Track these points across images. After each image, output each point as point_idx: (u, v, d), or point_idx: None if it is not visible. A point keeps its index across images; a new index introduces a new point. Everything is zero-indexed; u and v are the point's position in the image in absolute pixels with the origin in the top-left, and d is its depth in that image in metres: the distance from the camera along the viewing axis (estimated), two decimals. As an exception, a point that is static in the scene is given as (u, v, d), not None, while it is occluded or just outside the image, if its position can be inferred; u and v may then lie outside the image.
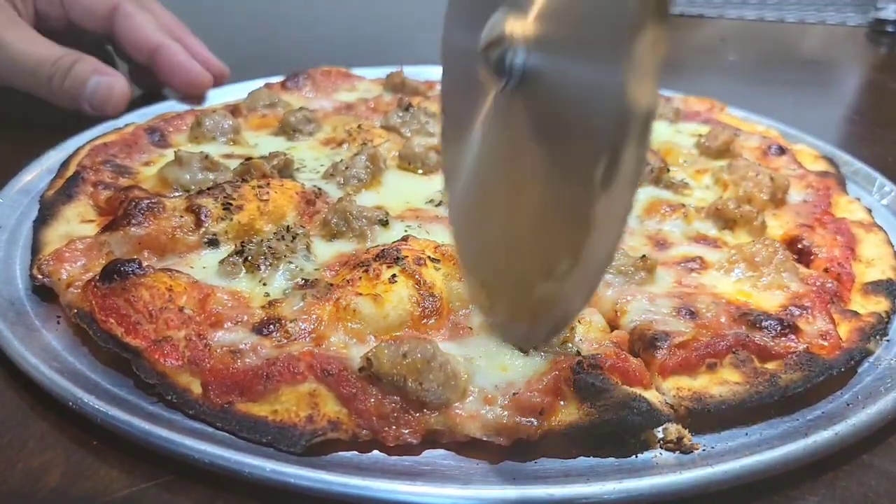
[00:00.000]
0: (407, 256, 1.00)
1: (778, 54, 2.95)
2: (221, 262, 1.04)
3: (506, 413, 0.80)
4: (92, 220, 1.17)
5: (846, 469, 0.82)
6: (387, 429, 0.80)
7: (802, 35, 3.21)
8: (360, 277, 0.98)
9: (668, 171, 1.37)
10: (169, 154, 1.41)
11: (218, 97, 1.78)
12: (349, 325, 0.91)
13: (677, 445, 0.82)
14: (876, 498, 0.79)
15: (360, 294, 0.93)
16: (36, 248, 1.09)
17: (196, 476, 0.77)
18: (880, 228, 1.25)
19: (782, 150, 1.52)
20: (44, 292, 1.03)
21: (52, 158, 1.40)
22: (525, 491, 0.74)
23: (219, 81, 1.84)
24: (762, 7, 3.46)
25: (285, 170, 1.35)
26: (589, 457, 0.81)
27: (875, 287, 1.09)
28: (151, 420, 0.80)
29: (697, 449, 0.82)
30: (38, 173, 1.36)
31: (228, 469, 0.75)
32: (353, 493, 0.73)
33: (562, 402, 0.82)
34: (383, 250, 1.02)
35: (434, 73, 2.10)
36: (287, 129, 1.54)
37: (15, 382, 0.90)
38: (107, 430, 0.80)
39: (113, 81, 1.61)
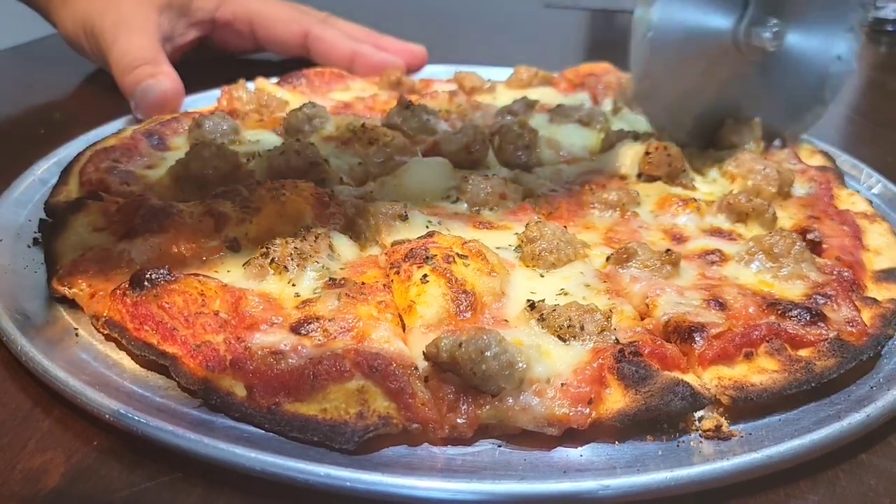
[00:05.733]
0: (436, 255, 1.01)
1: None
2: (246, 264, 1.03)
3: (556, 404, 0.81)
4: (103, 229, 1.14)
5: (845, 468, 0.84)
6: (438, 421, 0.81)
7: None
8: (392, 280, 0.99)
9: (685, 170, 1.39)
10: (169, 157, 1.40)
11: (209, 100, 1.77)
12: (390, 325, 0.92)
13: (716, 433, 0.84)
14: (875, 497, 0.80)
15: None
16: (51, 260, 1.07)
17: (197, 475, 0.77)
18: (883, 219, 1.29)
19: (784, 144, 1.55)
20: (60, 304, 1.01)
21: (44, 168, 1.38)
22: (579, 484, 0.75)
23: (420, 62, 2.10)
24: None
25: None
26: (634, 441, 0.83)
27: (886, 275, 1.12)
28: (194, 428, 0.79)
29: (735, 436, 0.84)
30: (31, 183, 1.33)
31: (280, 476, 0.74)
32: (410, 493, 0.73)
33: (607, 391, 0.84)
34: (412, 250, 1.03)
35: (426, 71, 2.11)
36: (290, 129, 1.53)
37: (15, 383, 0.89)
38: (141, 437, 0.79)
39: (153, 84, 1.65)
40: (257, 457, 0.75)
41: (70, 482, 0.76)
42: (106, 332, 0.95)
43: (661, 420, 0.85)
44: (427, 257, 1.00)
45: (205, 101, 1.77)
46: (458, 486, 0.73)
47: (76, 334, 0.97)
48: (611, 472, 0.78)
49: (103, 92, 1.85)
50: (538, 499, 0.74)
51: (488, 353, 0.81)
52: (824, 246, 1.18)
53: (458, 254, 1.02)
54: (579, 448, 0.82)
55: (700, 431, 0.85)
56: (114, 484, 0.76)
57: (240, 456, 0.75)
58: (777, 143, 1.58)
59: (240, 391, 0.83)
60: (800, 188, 1.40)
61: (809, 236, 1.20)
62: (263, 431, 0.81)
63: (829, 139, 1.71)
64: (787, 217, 1.28)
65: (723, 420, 0.85)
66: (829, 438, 0.82)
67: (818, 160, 1.56)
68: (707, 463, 0.78)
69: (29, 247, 1.15)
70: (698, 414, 0.86)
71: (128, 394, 0.85)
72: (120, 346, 0.94)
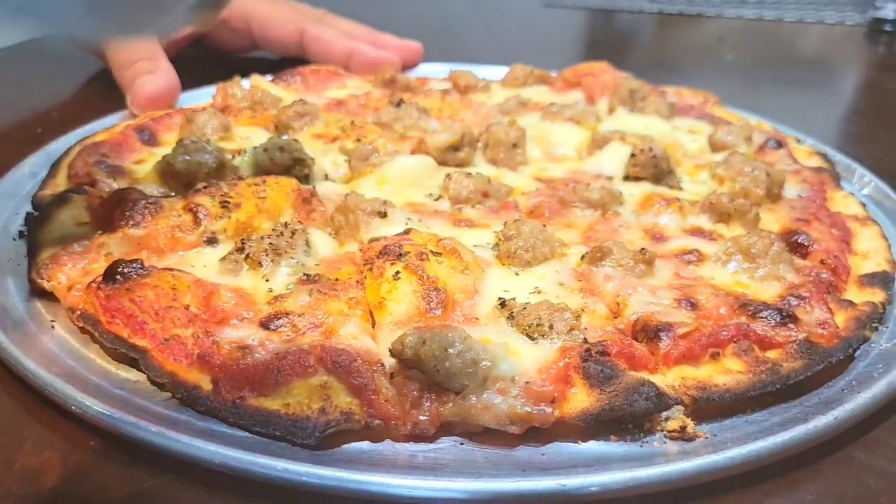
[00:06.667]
0: (409, 252, 1.01)
1: (776, 53, 2.97)
2: (222, 259, 1.04)
3: (518, 403, 0.81)
4: (86, 223, 1.15)
5: (844, 468, 0.83)
6: (401, 417, 0.81)
7: (801, 34, 3.22)
8: (365, 277, 1.00)
9: (671, 171, 1.38)
10: (158, 152, 1.41)
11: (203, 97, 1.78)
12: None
13: (681, 434, 0.84)
14: (874, 497, 0.80)
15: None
16: (32, 252, 1.08)
17: (194, 476, 0.77)
18: (874, 222, 1.28)
19: (779, 145, 1.54)
20: (40, 296, 1.02)
21: (33, 162, 1.40)
22: (537, 482, 0.75)
23: (416, 59, 2.12)
24: (761, 6, 3.49)
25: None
26: (599, 440, 0.83)
27: (870, 279, 1.11)
28: (159, 422, 0.80)
29: (701, 437, 0.84)
30: (21, 176, 1.35)
31: (239, 469, 0.75)
32: (365, 489, 0.74)
33: (572, 390, 0.84)
34: (386, 246, 1.03)
35: (422, 70, 2.12)
36: (280, 126, 1.54)
37: (12, 384, 0.89)
38: (113, 433, 0.80)
39: (149, 80, 1.68)
40: (216, 450, 0.76)
41: (68, 482, 0.77)
42: (81, 324, 0.96)
43: (627, 420, 0.85)
44: (400, 254, 1.01)
45: (202, 98, 1.78)
46: (412, 483, 0.74)
47: (52, 327, 0.98)
48: (570, 471, 0.77)
49: (101, 91, 1.86)
50: (493, 496, 0.74)
51: (452, 351, 0.82)
52: (811, 249, 1.16)
53: (432, 251, 1.02)
54: (542, 447, 0.82)
55: (665, 432, 0.84)
56: (111, 484, 0.76)
57: (200, 449, 0.76)
58: (772, 143, 1.57)
59: (206, 385, 0.84)
60: (791, 190, 1.38)
61: (797, 239, 1.19)
62: (230, 427, 0.81)
63: (827, 138, 1.70)
64: (775, 220, 1.27)
65: (688, 421, 0.85)
66: (792, 441, 0.81)
67: (815, 161, 1.55)
68: (667, 464, 0.78)
69: (14, 239, 1.16)
70: (665, 414, 0.86)
71: (96, 387, 0.86)
72: (94, 339, 0.95)
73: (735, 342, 0.92)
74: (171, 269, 0.99)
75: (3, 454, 0.79)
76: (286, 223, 1.11)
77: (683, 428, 0.84)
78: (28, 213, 1.21)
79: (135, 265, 0.96)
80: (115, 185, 1.27)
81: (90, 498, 0.75)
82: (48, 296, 1.02)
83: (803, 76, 2.63)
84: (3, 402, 0.87)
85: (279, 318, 0.91)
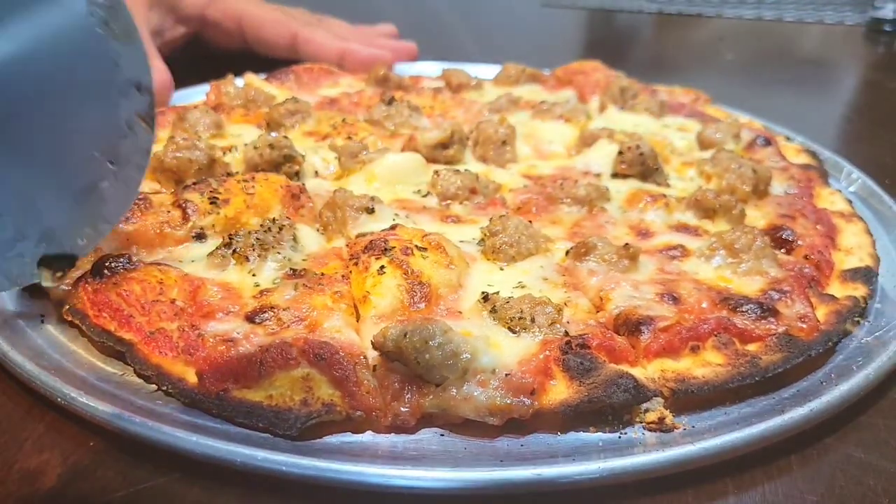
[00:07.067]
0: (395, 247, 1.02)
1: (776, 53, 2.98)
2: (210, 254, 1.05)
3: (498, 395, 0.82)
4: (78, 217, 1.17)
5: (844, 468, 0.84)
6: (382, 409, 0.82)
7: (800, 34, 3.24)
8: (351, 271, 1.01)
9: (657, 168, 1.39)
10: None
11: (197, 94, 1.79)
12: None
13: (659, 426, 0.85)
14: (875, 497, 0.80)
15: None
16: (23, 246, 1.09)
17: (193, 477, 0.78)
18: (860, 219, 1.29)
19: (768, 142, 1.55)
20: (30, 291, 1.03)
21: None
22: (513, 472, 0.76)
23: (410, 59, 2.16)
24: (760, 6, 3.51)
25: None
26: (578, 432, 0.84)
27: (853, 274, 1.12)
28: (144, 413, 0.81)
29: (679, 429, 0.85)
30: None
31: (219, 459, 0.76)
32: (346, 478, 0.75)
33: (552, 382, 0.85)
34: (371, 241, 1.04)
35: (419, 68, 2.13)
36: (272, 124, 1.55)
37: (11, 385, 0.90)
38: (96, 423, 0.81)
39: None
40: (198, 440, 0.77)
41: (67, 483, 0.77)
42: (69, 319, 0.97)
43: (607, 412, 0.86)
44: (386, 249, 1.02)
45: (196, 96, 1.80)
46: (391, 472, 0.75)
47: (41, 321, 0.99)
48: (548, 461, 0.78)
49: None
50: (470, 485, 0.75)
51: (432, 343, 0.83)
52: (796, 244, 1.17)
53: (416, 246, 1.03)
54: (522, 438, 0.83)
55: (644, 423, 0.85)
56: (111, 485, 0.77)
57: (182, 440, 0.77)
58: (761, 140, 1.58)
59: (191, 377, 0.85)
60: (778, 186, 1.39)
61: (782, 234, 1.20)
62: (214, 420, 0.82)
63: (826, 138, 1.70)
64: (761, 216, 1.28)
65: (666, 412, 0.86)
66: (767, 432, 0.82)
67: (803, 158, 1.56)
68: (643, 454, 0.79)
69: (6, 235, 1.17)
70: (644, 406, 0.87)
71: (81, 379, 0.87)
72: (82, 334, 0.96)
73: (715, 335, 0.93)
74: (158, 264, 1.00)
75: (3, 454, 0.80)
76: (274, 219, 1.12)
77: (662, 419, 0.85)
78: (20, 210, 1.22)
79: (122, 260, 0.97)
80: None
81: (90, 498, 0.75)
82: (38, 291, 1.03)
83: (802, 76, 2.64)
84: (2, 403, 0.88)
85: (264, 312, 0.92)
